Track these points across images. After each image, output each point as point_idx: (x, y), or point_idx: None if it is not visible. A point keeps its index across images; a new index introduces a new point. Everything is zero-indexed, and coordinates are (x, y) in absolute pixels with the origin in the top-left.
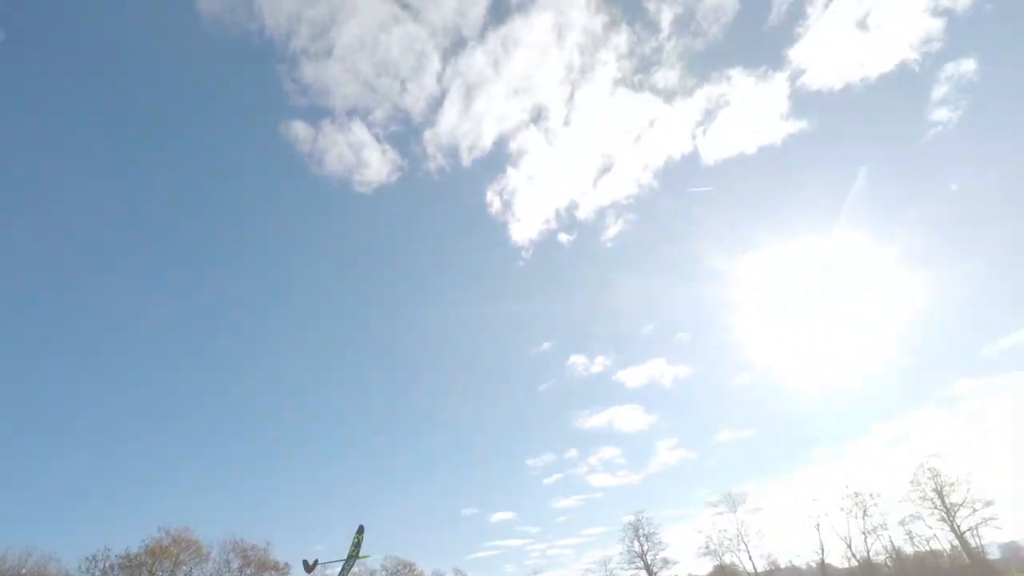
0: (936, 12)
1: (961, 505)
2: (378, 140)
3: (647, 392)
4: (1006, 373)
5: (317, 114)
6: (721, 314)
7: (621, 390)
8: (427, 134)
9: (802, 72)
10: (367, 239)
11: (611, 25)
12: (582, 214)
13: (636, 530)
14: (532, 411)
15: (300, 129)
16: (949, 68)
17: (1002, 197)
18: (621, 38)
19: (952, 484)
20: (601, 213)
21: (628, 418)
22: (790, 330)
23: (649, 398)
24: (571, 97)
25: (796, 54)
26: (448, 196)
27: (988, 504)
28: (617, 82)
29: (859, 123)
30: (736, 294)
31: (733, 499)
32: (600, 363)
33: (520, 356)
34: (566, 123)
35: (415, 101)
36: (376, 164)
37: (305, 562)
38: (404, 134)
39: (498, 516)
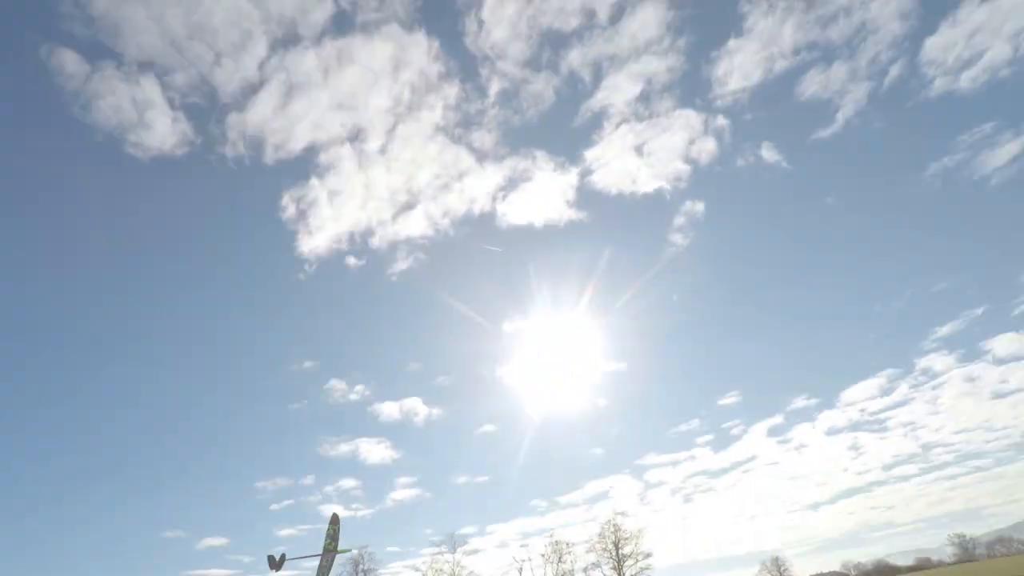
0: (687, 159)
1: (629, 556)
2: (172, 106)
3: (398, 428)
4: (677, 452)
5: (99, 53)
6: (480, 366)
7: (373, 422)
8: (232, 118)
9: (591, 172)
10: (131, 208)
11: (445, 76)
12: (376, 243)
13: (356, 565)
14: (275, 430)
15: (71, 61)
16: (688, 204)
17: (701, 316)
18: (452, 91)
19: (627, 538)
20: (394, 247)
21: (374, 451)
22: (532, 392)
23: (399, 434)
24: (393, 128)
25: (590, 155)
26: (240, 188)
27: (648, 556)
28: (439, 129)
29: (622, 227)
30: (496, 350)
31: (455, 540)
32: (359, 392)
33: (277, 370)
34: (382, 152)
35: (227, 79)
36: (162, 130)
37: (271, 558)
38: (205, 110)
39: (209, 542)
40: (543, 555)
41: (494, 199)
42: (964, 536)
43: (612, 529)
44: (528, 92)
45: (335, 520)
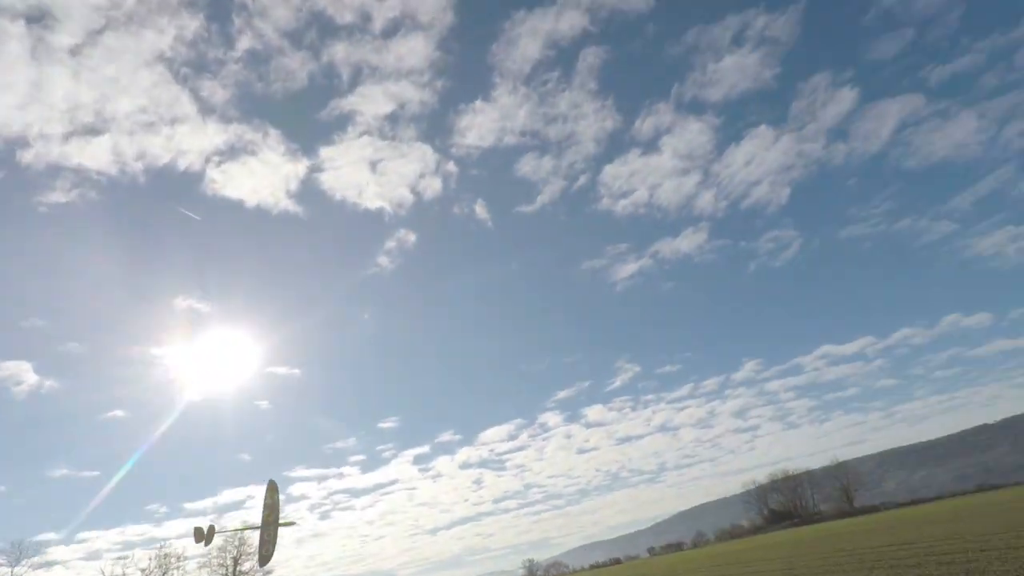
0: (413, 190)
1: (248, 572)
2: None
3: None
4: (328, 468)
5: None
6: (130, 339)
7: None
8: None
9: (322, 169)
10: None
11: (189, 4)
12: (29, 159)
13: None
14: None
15: None
16: (402, 232)
17: (386, 340)
18: (193, 24)
19: (251, 553)
20: (56, 171)
21: None
22: (188, 381)
23: None
24: (100, 32)
25: (325, 153)
26: None
27: (269, 573)
28: (161, 58)
29: (335, 235)
30: (159, 326)
31: (22, 549)
32: None
33: None
34: (75, 53)
35: None
36: None
37: (198, 530)
38: None
39: None
40: (143, 570)
41: (208, 161)
42: (532, 560)
43: (238, 542)
44: (281, 65)
45: (273, 488)
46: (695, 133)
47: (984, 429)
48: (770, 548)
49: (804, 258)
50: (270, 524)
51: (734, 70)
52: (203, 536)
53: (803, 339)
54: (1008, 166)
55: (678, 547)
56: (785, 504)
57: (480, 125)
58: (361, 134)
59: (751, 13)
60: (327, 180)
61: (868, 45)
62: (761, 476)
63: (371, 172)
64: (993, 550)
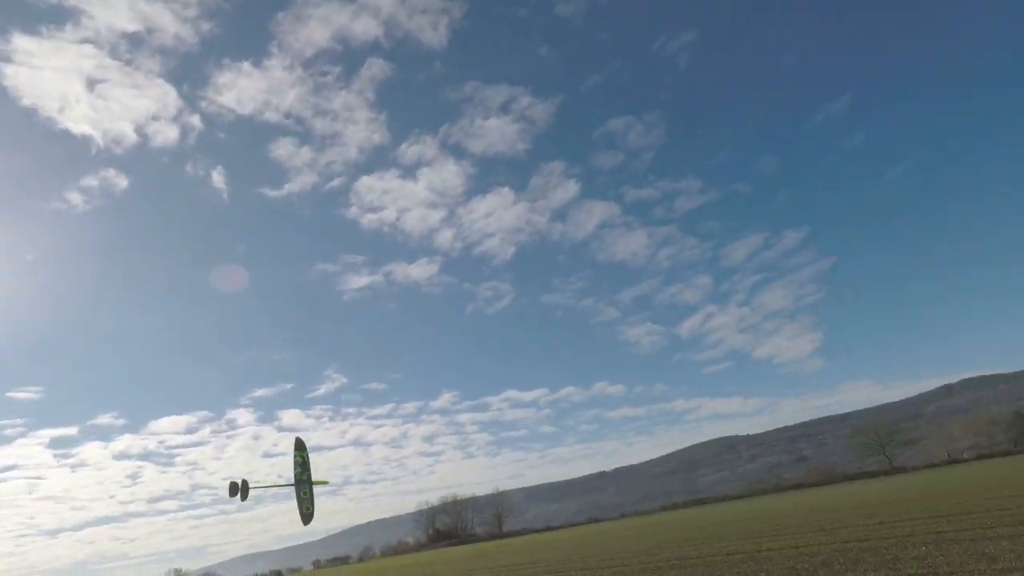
0: (140, 131)
1: None
2: None
3: None
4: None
5: None
6: None
7: None
8: None
9: (9, 61)
10: None
11: None
12: None
13: None
14: None
15: None
16: (111, 172)
17: (54, 293)
18: None
19: None
20: None
21: None
22: None
23: None
24: None
25: (22, 43)
26: None
27: None
28: None
29: (17, 150)
30: None
31: None
32: None
33: None
34: None
35: None
36: None
37: (233, 484)
38: None
39: None
40: None
41: None
42: (180, 571)
43: None
44: None
45: (300, 445)
46: (451, 174)
47: (601, 475)
48: (427, 564)
49: (513, 311)
50: (304, 482)
51: (496, 132)
52: (238, 490)
53: (495, 381)
54: (657, 279)
55: (345, 560)
56: (449, 525)
57: (243, 88)
58: (84, 40)
59: (520, 91)
60: (16, 76)
61: (594, 154)
62: (434, 498)
63: (86, 89)
64: (589, 569)
